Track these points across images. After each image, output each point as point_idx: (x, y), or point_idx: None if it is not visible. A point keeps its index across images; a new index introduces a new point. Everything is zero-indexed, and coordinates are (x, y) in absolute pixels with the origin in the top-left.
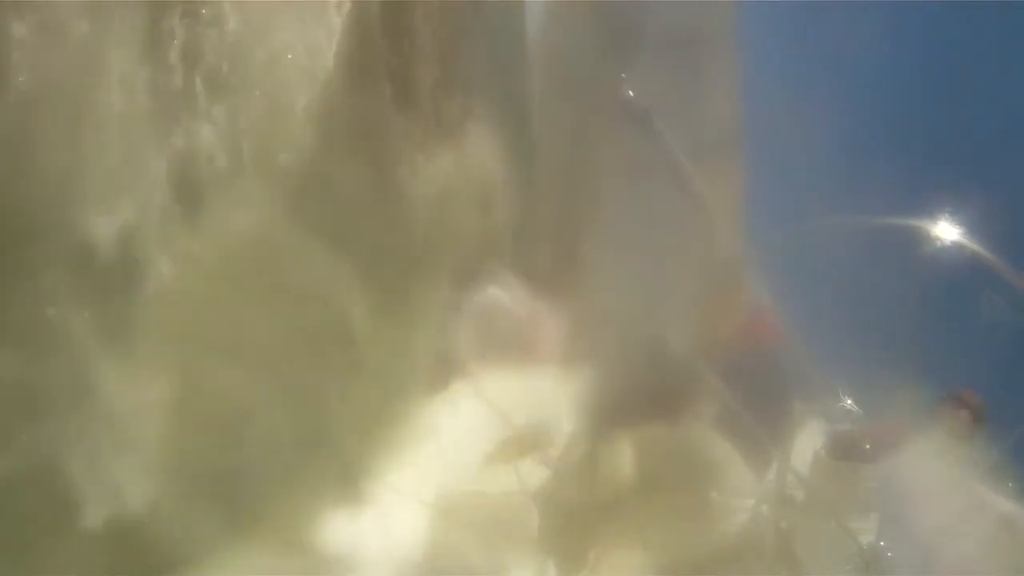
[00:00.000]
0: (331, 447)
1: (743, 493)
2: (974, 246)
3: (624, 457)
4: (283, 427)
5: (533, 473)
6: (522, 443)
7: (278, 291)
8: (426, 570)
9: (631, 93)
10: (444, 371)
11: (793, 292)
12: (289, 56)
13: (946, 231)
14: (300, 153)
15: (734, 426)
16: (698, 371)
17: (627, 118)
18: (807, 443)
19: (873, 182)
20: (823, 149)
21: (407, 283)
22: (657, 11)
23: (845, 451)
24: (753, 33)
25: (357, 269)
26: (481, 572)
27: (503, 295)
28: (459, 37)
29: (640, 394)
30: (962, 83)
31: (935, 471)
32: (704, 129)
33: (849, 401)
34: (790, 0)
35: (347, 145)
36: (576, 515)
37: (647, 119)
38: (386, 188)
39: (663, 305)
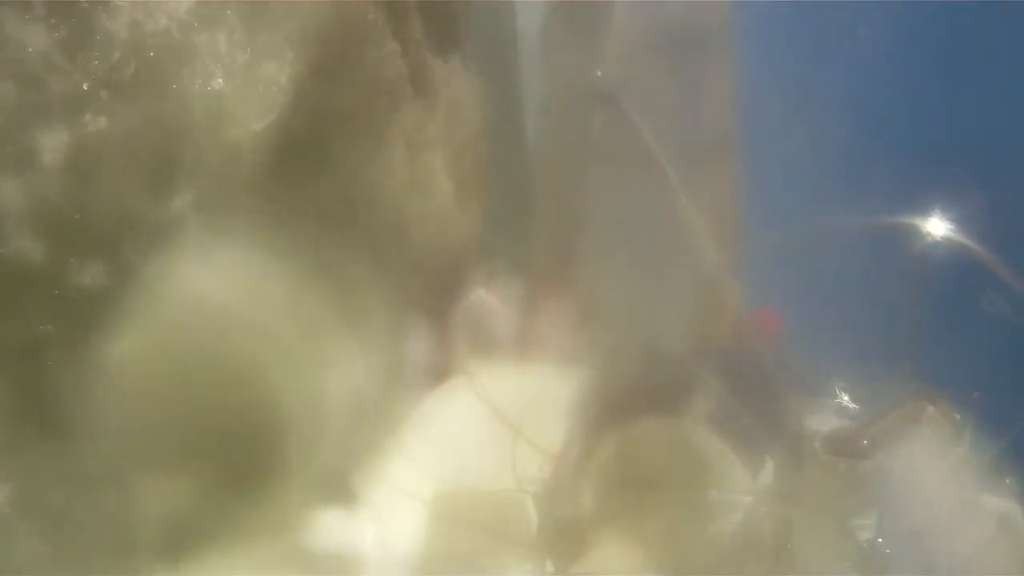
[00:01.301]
0: (325, 446)
1: (740, 490)
2: (973, 245)
3: (621, 455)
4: (273, 425)
5: (531, 471)
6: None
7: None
8: (423, 569)
9: (599, 73)
10: (441, 368)
11: (790, 290)
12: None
13: (945, 230)
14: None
15: (731, 423)
16: (695, 368)
17: (596, 99)
18: (804, 439)
19: (872, 181)
20: (821, 148)
21: (400, 279)
22: (655, 10)
23: (842, 447)
24: (751, 32)
25: (341, 267)
26: (478, 571)
27: (501, 293)
28: (453, 34)
29: (637, 392)
30: (963, 82)
31: (933, 468)
32: (701, 128)
33: (846, 397)
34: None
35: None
36: (574, 513)
37: (617, 101)
38: (371, 187)
39: (659, 303)
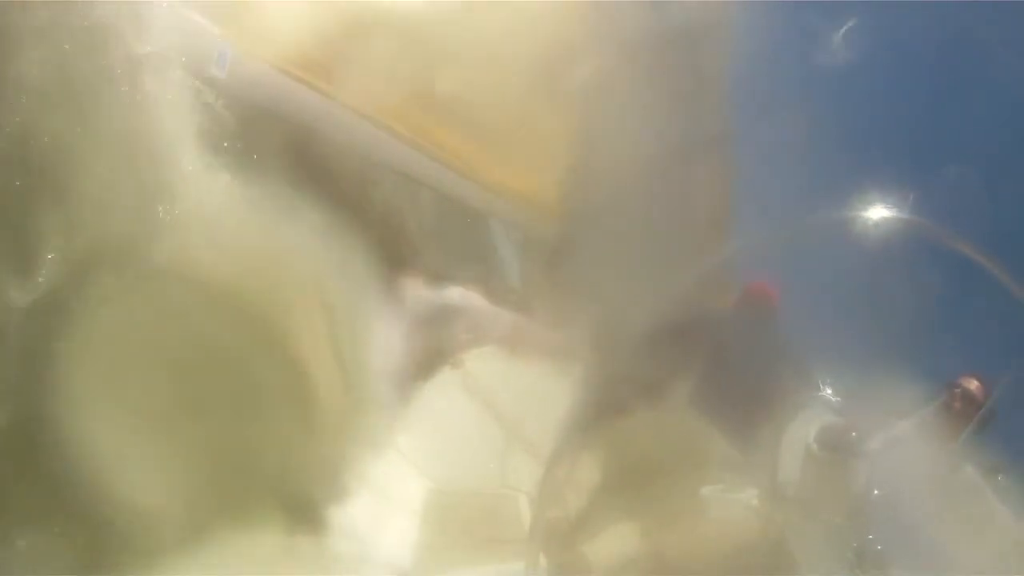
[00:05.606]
0: (314, 444)
1: (734, 487)
2: (967, 243)
3: (615, 451)
4: (266, 423)
5: (524, 469)
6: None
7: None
8: (414, 567)
9: None
10: (432, 363)
11: (785, 286)
12: None
13: (938, 227)
14: None
15: (726, 418)
16: (688, 353)
17: None
18: (798, 435)
19: (868, 178)
20: (817, 143)
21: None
22: (652, 7)
23: (836, 443)
24: (749, 29)
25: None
26: (470, 569)
27: (487, 287)
28: None
29: (630, 384)
30: (963, 81)
31: (927, 464)
32: (698, 125)
33: (829, 391)
34: None
35: None
36: (568, 511)
37: None
38: None
39: (653, 295)
